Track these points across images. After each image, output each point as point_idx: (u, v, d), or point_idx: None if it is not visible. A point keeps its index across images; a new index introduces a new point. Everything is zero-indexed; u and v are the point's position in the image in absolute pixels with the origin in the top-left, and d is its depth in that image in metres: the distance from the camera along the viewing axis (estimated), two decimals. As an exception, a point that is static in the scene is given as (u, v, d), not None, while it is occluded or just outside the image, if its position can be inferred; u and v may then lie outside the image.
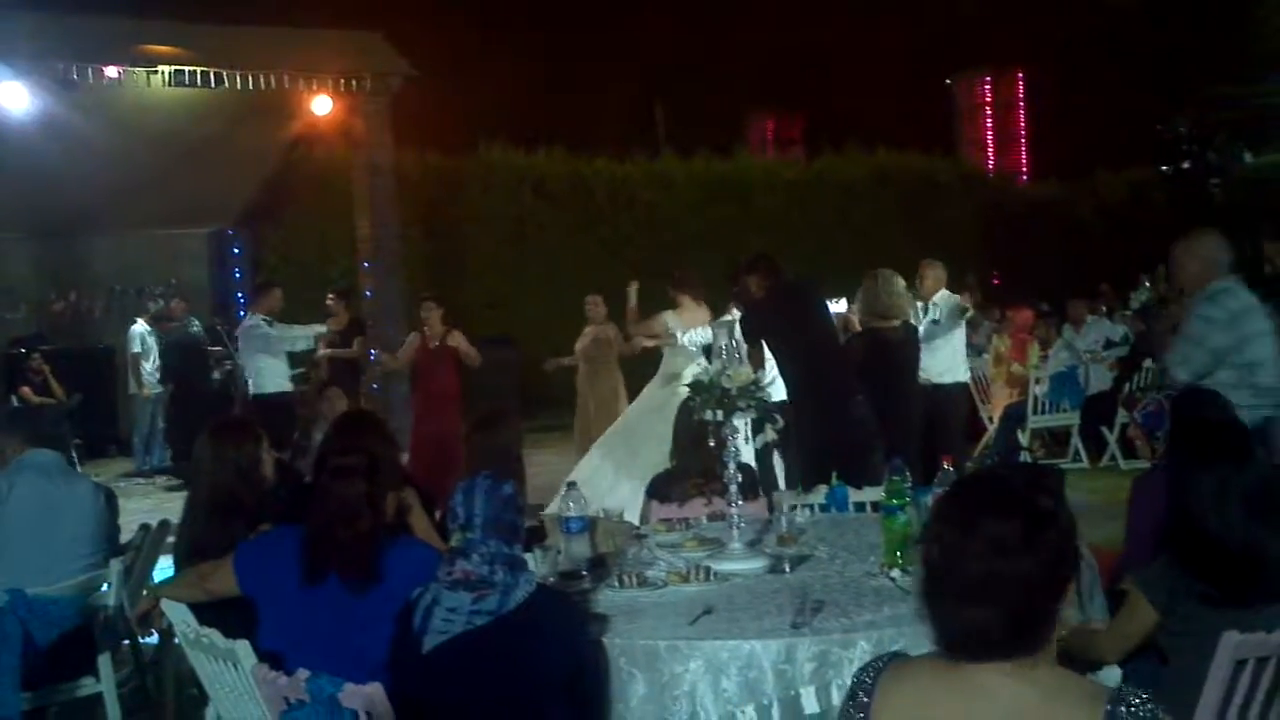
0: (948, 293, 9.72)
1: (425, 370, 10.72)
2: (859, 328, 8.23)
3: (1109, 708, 2.00)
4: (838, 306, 8.75)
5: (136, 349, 13.82)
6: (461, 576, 3.38)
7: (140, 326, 13.90)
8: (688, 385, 4.67)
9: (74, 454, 13.93)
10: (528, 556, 3.73)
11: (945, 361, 9.23)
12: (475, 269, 17.75)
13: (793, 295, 7.53)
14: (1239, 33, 23.57)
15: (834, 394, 7.09)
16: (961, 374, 9.50)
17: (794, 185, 21.47)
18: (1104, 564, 4.77)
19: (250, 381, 11.52)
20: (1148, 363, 11.34)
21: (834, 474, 5.88)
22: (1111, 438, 11.26)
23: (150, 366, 13.83)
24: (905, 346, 7.99)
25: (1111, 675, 3.90)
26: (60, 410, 13.10)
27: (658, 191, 20.20)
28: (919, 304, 9.30)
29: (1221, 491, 3.61)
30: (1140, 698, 2.02)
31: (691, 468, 5.65)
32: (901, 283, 8.14)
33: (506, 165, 19.19)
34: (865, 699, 2.19)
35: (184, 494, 4.99)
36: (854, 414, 7.03)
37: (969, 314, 9.88)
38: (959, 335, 9.44)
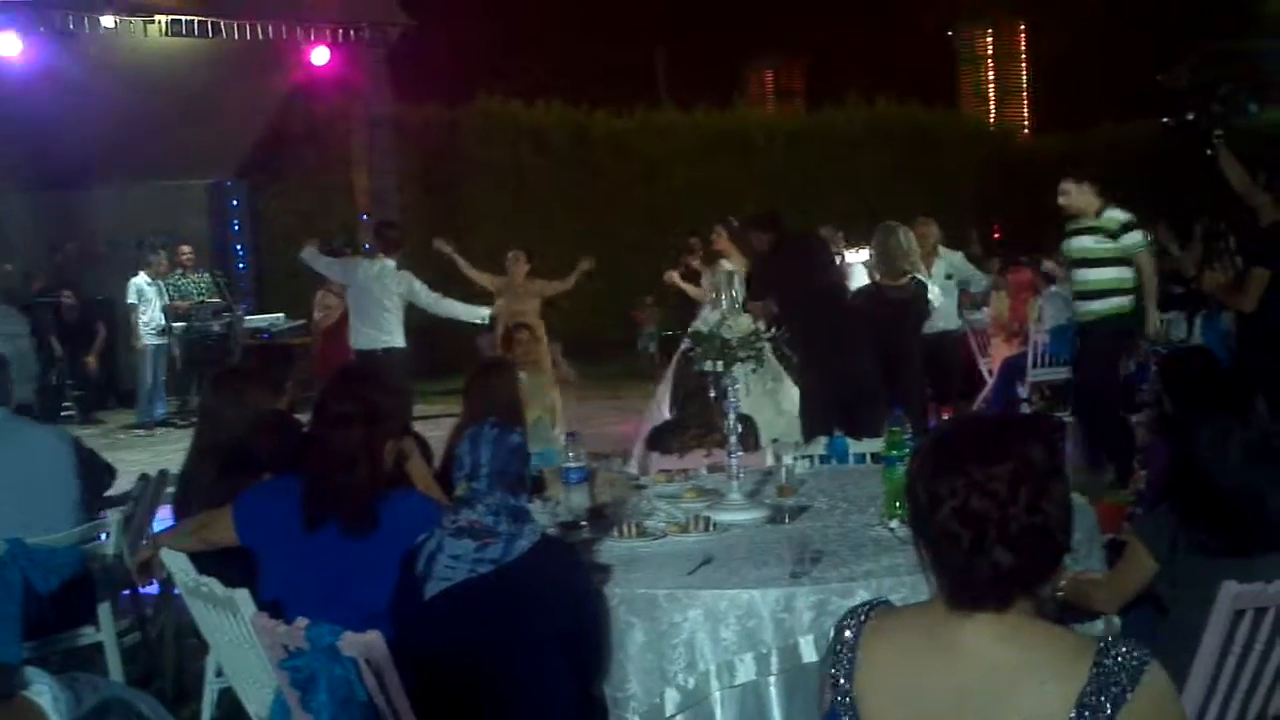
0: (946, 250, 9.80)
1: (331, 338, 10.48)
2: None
3: (1096, 659, 1.98)
4: (859, 255, 8.75)
5: (132, 300, 13.78)
6: (466, 525, 3.37)
7: (140, 278, 13.86)
8: (689, 335, 4.67)
9: (72, 406, 14.05)
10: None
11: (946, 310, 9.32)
12: (473, 221, 17.70)
13: (798, 250, 7.52)
14: None
15: (839, 348, 7.09)
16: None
17: (794, 137, 21.38)
18: (1103, 515, 4.78)
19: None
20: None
21: (836, 427, 5.89)
22: (1111, 391, 11.24)
23: (147, 318, 13.78)
24: (911, 303, 8.00)
25: (1110, 626, 3.92)
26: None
27: (656, 144, 20.12)
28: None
29: (1222, 442, 3.61)
30: (1128, 646, 2.01)
31: (691, 419, 5.66)
32: (912, 237, 8.16)
33: (505, 117, 19.09)
34: (849, 653, 2.17)
35: (177, 444, 4.95)
36: (859, 368, 7.04)
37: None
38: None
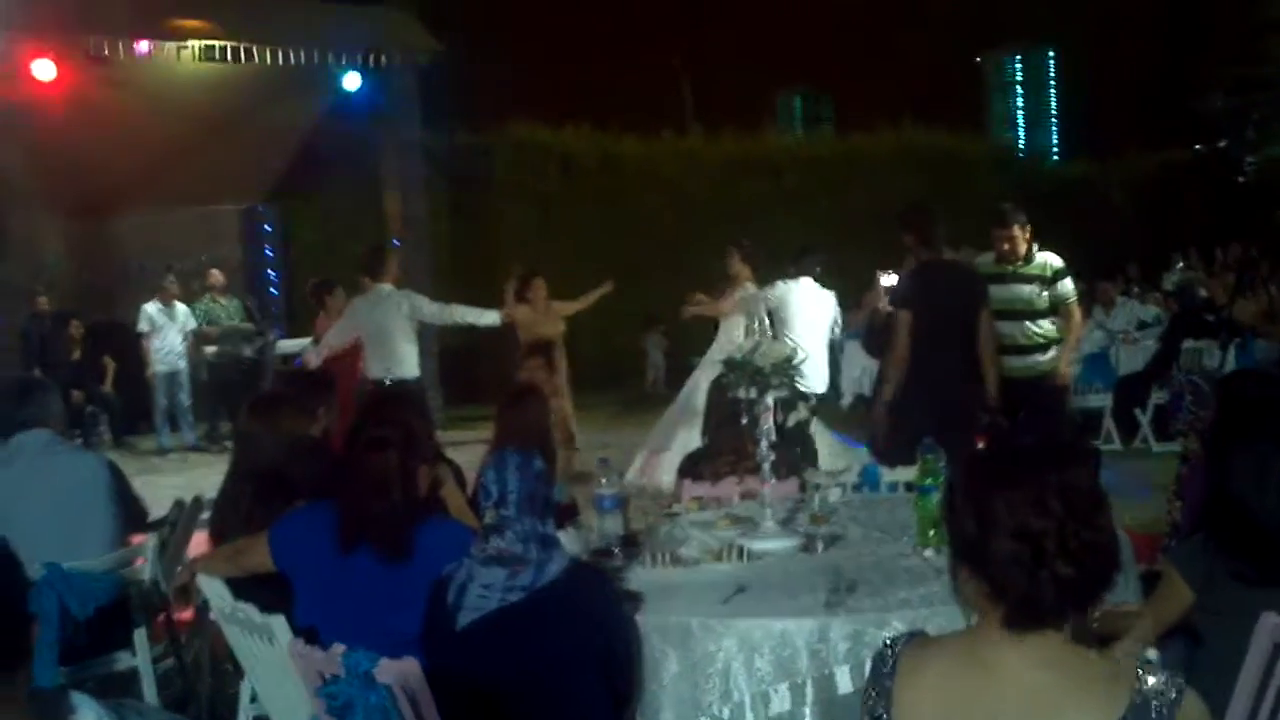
0: None
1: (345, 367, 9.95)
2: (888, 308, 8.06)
3: (1136, 685, 2.00)
4: (892, 279, 8.64)
5: (143, 328, 13.86)
6: (495, 553, 3.38)
7: (151, 306, 13.93)
8: (722, 361, 4.66)
9: (105, 430, 14.13)
10: (560, 535, 3.74)
11: None
12: (502, 246, 17.75)
13: (949, 271, 7.22)
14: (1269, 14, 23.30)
15: (948, 385, 6.72)
16: None
17: (822, 163, 21.36)
18: (1136, 546, 4.74)
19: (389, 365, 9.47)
20: (1187, 343, 11.25)
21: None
22: (1144, 419, 11.19)
23: (159, 343, 13.84)
24: None
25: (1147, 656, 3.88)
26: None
27: (685, 169, 20.13)
28: None
29: (1261, 471, 3.58)
30: (1165, 674, 2.02)
31: (724, 446, 5.65)
32: None
33: (534, 142, 19.14)
34: (887, 683, 2.19)
35: (208, 469, 4.96)
36: (963, 406, 6.62)
37: None
38: None
